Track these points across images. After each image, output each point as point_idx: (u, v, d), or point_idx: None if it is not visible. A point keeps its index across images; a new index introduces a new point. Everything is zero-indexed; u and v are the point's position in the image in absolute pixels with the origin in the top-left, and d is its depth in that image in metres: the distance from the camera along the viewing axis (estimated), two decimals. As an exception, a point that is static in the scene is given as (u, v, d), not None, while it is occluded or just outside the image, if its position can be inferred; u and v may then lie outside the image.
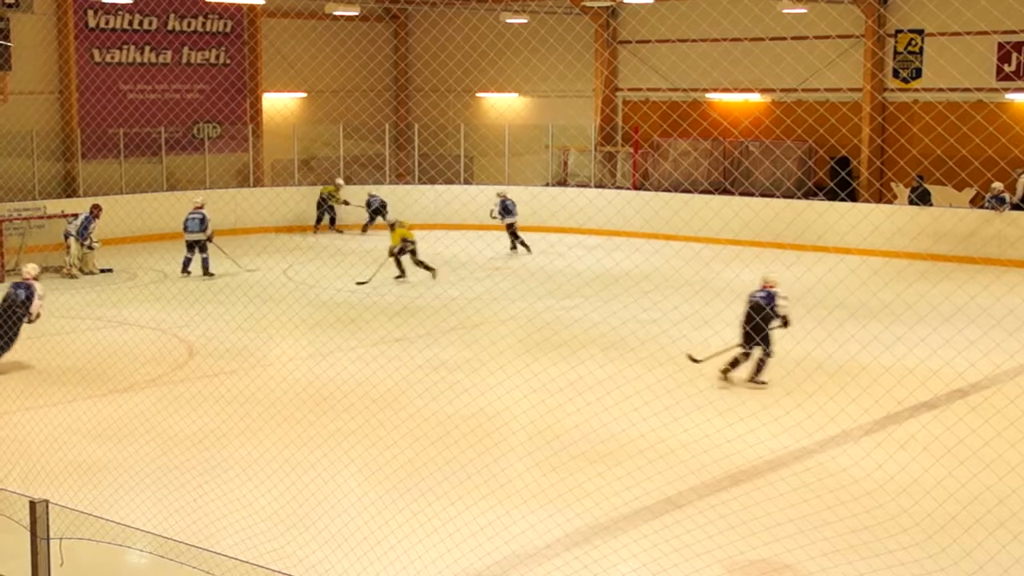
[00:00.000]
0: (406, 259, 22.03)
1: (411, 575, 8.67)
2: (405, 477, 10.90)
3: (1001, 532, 9.37)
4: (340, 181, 29.89)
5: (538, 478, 10.89)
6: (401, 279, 21.99)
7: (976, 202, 26.83)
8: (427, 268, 22.06)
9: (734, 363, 14.61)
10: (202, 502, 10.05)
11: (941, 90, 27.68)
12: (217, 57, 31.07)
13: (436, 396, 13.88)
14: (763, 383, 14.42)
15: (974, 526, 9.39)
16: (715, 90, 30.33)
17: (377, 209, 28.73)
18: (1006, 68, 27.51)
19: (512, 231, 26.28)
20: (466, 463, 11.19)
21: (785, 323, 14.53)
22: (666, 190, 29.32)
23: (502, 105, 33.91)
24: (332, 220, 29.63)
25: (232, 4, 30.04)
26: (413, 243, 22.05)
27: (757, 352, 14.48)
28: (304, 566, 8.75)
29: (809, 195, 28.52)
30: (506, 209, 26.25)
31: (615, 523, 9.78)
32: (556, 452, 11.70)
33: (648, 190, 29.91)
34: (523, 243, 26.25)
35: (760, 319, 14.28)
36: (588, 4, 29.03)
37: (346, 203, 29.36)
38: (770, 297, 14.57)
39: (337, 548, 9.00)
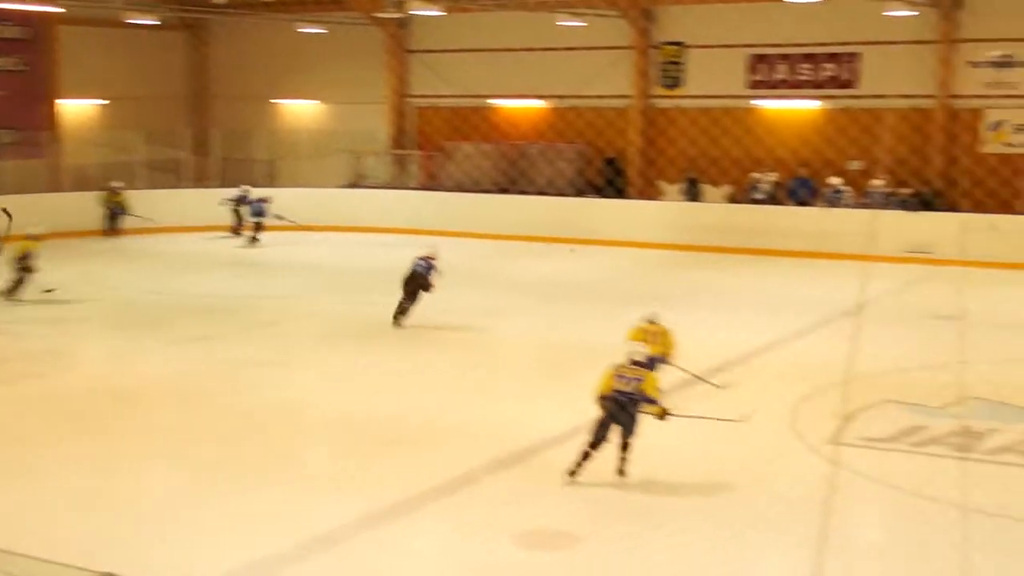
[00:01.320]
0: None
1: (214, 562, 8.52)
2: (210, 469, 10.63)
3: (766, 492, 9.85)
4: (117, 184, 28.14)
5: (336, 464, 10.79)
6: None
7: (738, 196, 27.96)
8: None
9: (402, 311, 16.75)
10: (3, 504, 9.63)
11: (701, 96, 28.75)
12: (15, 64, 30.01)
13: (240, 391, 13.52)
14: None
15: (745, 488, 9.89)
16: (499, 96, 30.81)
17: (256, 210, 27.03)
18: (754, 77, 28.74)
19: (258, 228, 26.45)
20: (268, 453, 11.07)
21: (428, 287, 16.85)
22: (455, 190, 29.65)
23: (300, 111, 33.67)
24: (114, 223, 27.61)
25: (29, 12, 29.00)
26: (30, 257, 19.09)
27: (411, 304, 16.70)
28: (111, 561, 8.51)
29: (584, 193, 29.24)
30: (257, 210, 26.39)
31: (409, 503, 9.75)
32: (354, 438, 11.59)
33: (439, 190, 30.17)
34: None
35: (418, 283, 16.76)
36: (380, 15, 29.08)
37: (126, 211, 27.64)
38: (429, 266, 16.83)
39: (142, 540, 8.82)
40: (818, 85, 28.10)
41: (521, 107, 31.11)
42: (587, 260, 19.31)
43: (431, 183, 31.23)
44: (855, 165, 26.48)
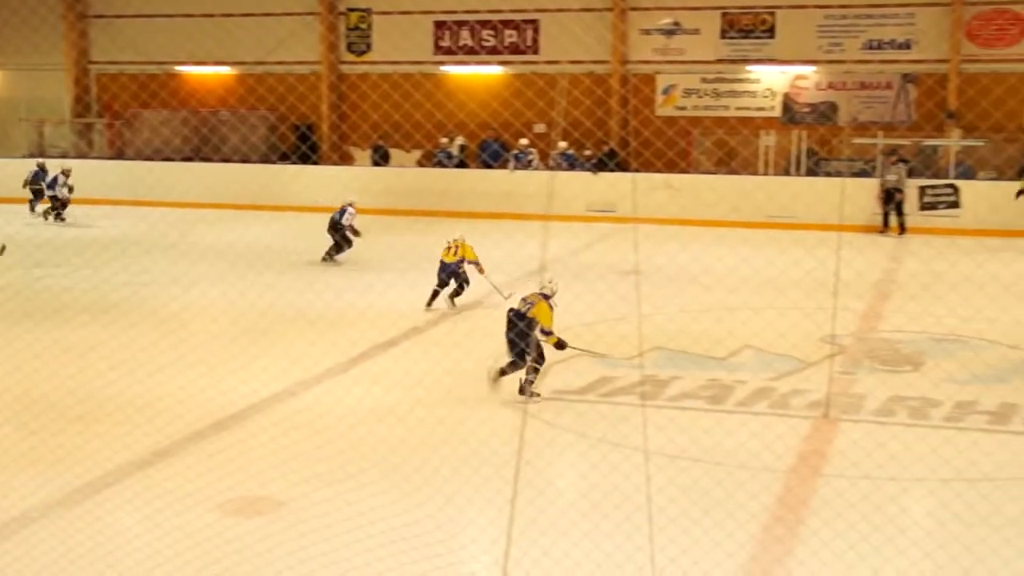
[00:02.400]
0: None
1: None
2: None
3: (462, 448, 10.05)
4: None
5: (26, 442, 10.19)
6: None
7: (428, 160, 28.24)
8: None
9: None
10: None
11: (390, 63, 28.80)
12: None
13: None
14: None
15: (441, 445, 10.07)
16: (184, 63, 29.89)
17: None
18: (442, 43, 29.03)
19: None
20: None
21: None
22: (147, 159, 28.60)
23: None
24: None
25: None
26: None
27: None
28: None
29: (281, 159, 28.83)
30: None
31: (105, 478, 9.32)
32: (42, 416, 10.94)
33: (125, 160, 29.03)
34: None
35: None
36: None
37: None
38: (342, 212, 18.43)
39: None
40: (501, 51, 28.67)
41: (208, 74, 30.27)
42: (278, 226, 19.08)
43: (116, 152, 30.01)
44: (540, 128, 27.21)
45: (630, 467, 9.00)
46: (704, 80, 28.20)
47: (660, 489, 8.47)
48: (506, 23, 28.51)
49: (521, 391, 11.40)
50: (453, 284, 16.05)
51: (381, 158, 28.09)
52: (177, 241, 21.94)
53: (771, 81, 27.99)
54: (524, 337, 11.17)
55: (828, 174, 25.43)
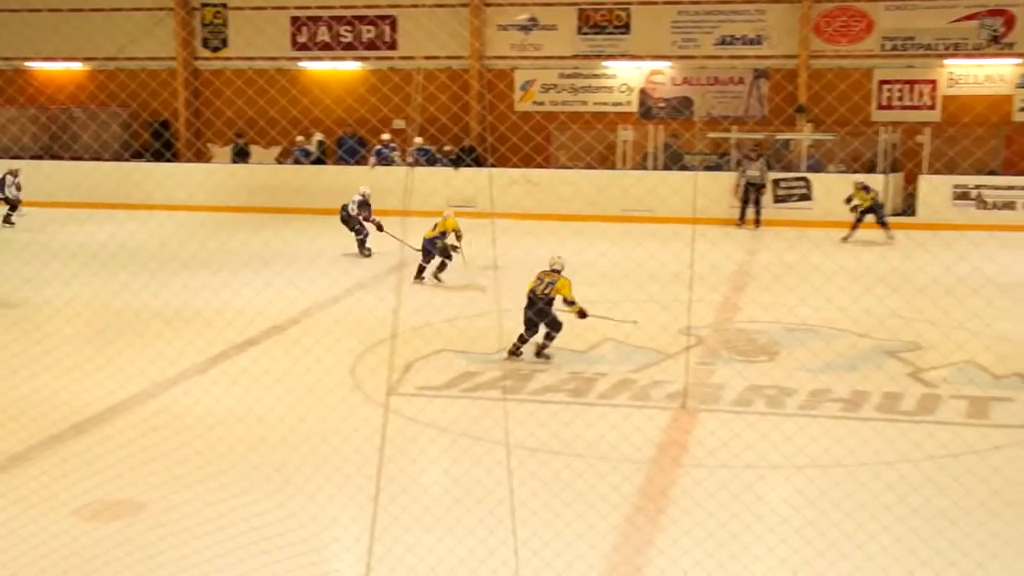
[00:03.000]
0: None
1: None
2: None
3: (323, 446, 9.92)
4: None
5: None
6: None
7: (287, 157, 27.87)
8: None
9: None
10: None
11: (247, 58, 28.35)
12: None
13: None
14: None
15: (301, 444, 9.93)
16: (36, 59, 28.97)
17: None
18: (299, 39, 28.70)
19: None
20: None
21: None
22: (-5, 157, 27.66)
23: None
24: None
25: None
26: None
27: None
28: None
29: (135, 157, 28.14)
30: None
31: None
32: None
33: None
34: None
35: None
36: None
37: None
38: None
39: None
40: (360, 47, 28.47)
41: (58, 70, 29.39)
42: (132, 224, 18.60)
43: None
44: (399, 124, 27.08)
45: (492, 461, 8.98)
46: (562, 75, 28.40)
47: (522, 483, 8.49)
48: (363, 19, 28.29)
49: (539, 354, 12.76)
50: (437, 260, 17.17)
51: (238, 155, 27.62)
52: (29, 241, 21.25)
53: (627, 76, 28.33)
54: (544, 315, 12.60)
55: (682, 168, 25.86)
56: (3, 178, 24.32)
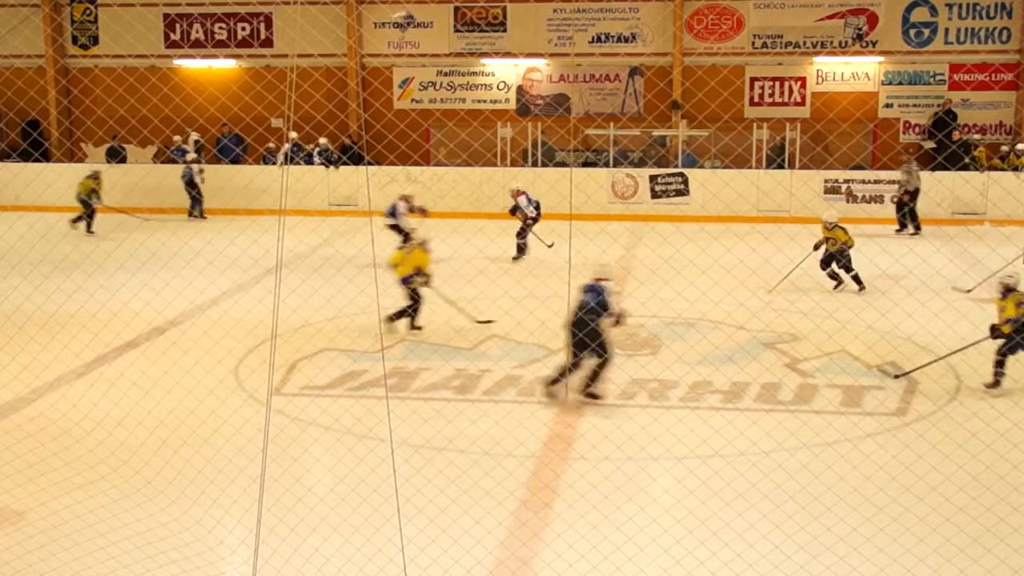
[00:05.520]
0: None
1: None
2: None
3: (206, 448, 9.80)
4: None
5: None
6: None
7: (164, 156, 27.39)
8: None
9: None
10: None
11: (119, 56, 27.76)
12: None
13: None
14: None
15: (183, 447, 9.79)
16: None
17: None
18: (173, 36, 28.22)
19: None
20: None
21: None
22: None
23: None
24: None
25: None
26: None
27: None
28: None
29: (2, 157, 27.37)
30: None
31: None
32: None
33: None
34: None
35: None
36: None
37: None
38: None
39: None
40: (236, 44, 28.10)
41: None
42: (2, 227, 17.95)
43: None
44: (276, 123, 26.80)
45: (376, 459, 9.00)
46: (440, 73, 28.40)
47: (407, 480, 8.53)
48: (238, 16, 27.93)
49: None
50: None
51: (111, 155, 27.03)
52: None
53: (505, 74, 28.45)
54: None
55: (559, 165, 26.08)
56: None
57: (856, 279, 16.80)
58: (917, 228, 22.74)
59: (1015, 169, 24.78)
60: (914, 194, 22.70)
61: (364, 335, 13.57)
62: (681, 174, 25.28)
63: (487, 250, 18.56)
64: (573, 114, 28.00)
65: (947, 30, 27.00)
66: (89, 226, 22.76)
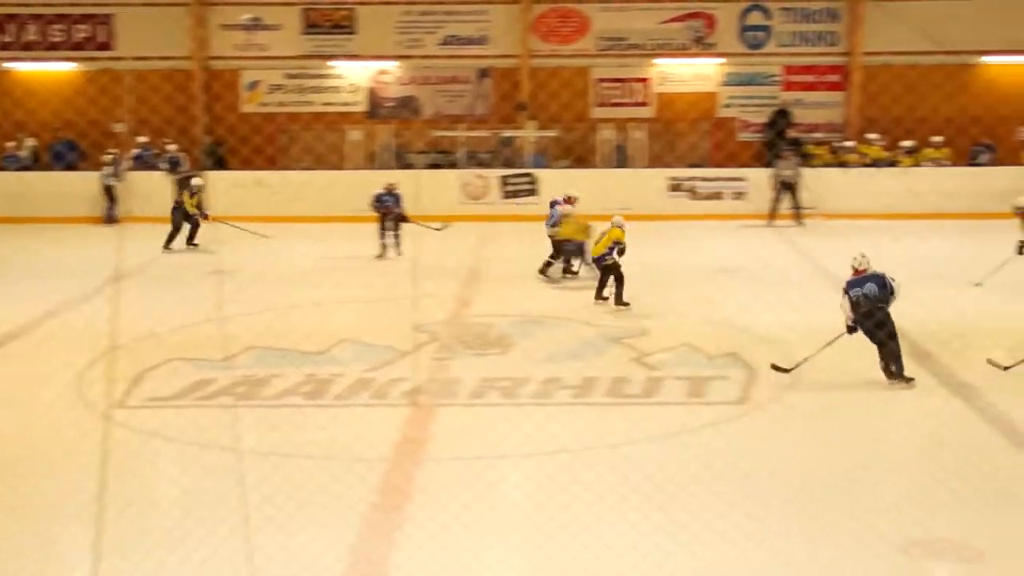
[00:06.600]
0: None
1: None
2: None
3: (41, 463, 9.45)
4: None
5: None
6: None
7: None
8: None
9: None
10: None
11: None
12: None
13: None
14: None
15: (16, 463, 9.44)
16: None
17: None
18: (5, 38, 27.36)
19: None
20: None
21: None
22: None
23: None
24: None
25: None
26: None
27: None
28: None
29: None
30: None
31: None
32: None
33: None
34: None
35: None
36: None
37: None
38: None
39: None
40: (72, 46, 27.31)
41: None
42: None
43: None
44: (119, 127, 26.05)
45: (223, 470, 8.82)
46: (289, 76, 28.03)
47: (254, 488, 8.37)
48: (77, 16, 27.13)
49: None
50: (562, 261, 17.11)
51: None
52: None
53: (355, 76, 28.23)
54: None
55: (408, 166, 25.98)
56: None
57: None
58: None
59: (842, 165, 25.63)
60: (792, 186, 23.59)
61: (208, 343, 13.23)
62: (529, 174, 25.43)
63: (334, 253, 18.41)
64: (422, 116, 27.95)
65: (781, 33, 27.80)
66: None
